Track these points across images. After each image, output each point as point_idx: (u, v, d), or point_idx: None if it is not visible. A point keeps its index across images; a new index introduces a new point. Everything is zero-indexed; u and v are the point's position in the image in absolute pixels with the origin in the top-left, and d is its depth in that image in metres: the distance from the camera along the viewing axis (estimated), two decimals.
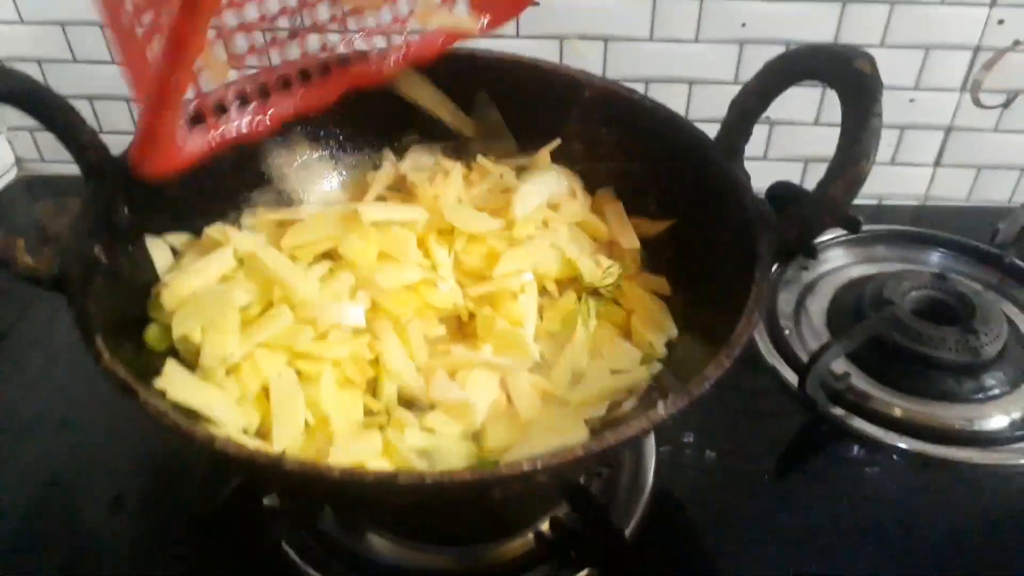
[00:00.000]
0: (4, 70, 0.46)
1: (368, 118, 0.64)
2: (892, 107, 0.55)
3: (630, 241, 0.59)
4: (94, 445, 0.64)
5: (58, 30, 0.88)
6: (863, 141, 0.47)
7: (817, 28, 0.84)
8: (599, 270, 0.56)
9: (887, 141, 0.91)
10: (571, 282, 0.58)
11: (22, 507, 0.59)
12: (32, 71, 0.88)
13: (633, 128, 0.62)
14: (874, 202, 0.96)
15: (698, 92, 0.90)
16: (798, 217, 0.51)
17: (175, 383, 0.45)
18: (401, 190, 0.61)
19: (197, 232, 0.57)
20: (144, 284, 0.52)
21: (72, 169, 0.50)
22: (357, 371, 0.51)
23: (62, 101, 0.49)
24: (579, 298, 0.56)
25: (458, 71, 0.63)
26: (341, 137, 0.66)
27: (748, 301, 0.47)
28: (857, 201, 0.48)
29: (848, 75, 0.48)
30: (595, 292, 0.57)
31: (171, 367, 0.46)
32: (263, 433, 0.47)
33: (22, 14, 0.87)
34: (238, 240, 0.52)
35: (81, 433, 0.65)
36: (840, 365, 0.69)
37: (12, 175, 0.98)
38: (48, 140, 0.88)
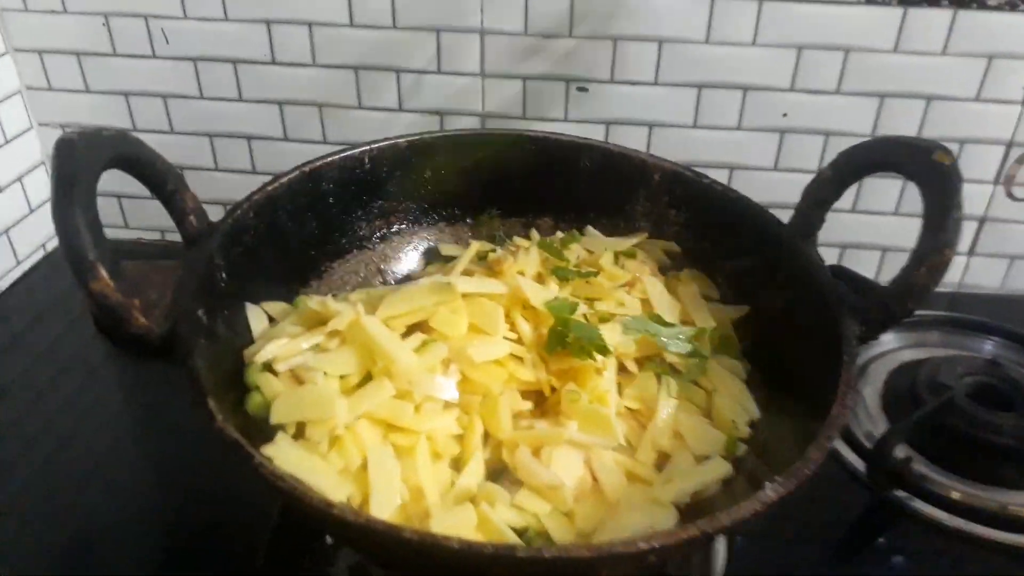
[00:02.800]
0: (120, 135, 0.48)
1: (449, 194, 0.65)
2: None
3: (705, 320, 0.60)
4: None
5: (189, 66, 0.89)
6: (947, 230, 0.49)
7: (856, 121, 0.87)
8: (681, 345, 0.56)
9: None
10: (648, 359, 0.58)
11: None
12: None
13: (703, 210, 0.64)
14: None
15: (739, 176, 0.92)
16: (878, 302, 0.52)
17: (283, 452, 0.45)
18: (482, 264, 0.62)
19: (284, 298, 0.57)
20: (239, 347, 0.52)
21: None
22: (446, 444, 0.51)
23: (170, 167, 0.51)
24: (657, 376, 0.56)
25: (532, 152, 0.65)
26: (423, 212, 0.68)
27: (840, 383, 0.48)
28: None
29: (928, 168, 0.50)
30: (674, 370, 0.57)
31: (282, 438, 0.46)
32: (361, 504, 0.47)
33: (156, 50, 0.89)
34: (337, 310, 0.53)
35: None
36: (902, 450, 0.69)
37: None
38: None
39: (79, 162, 0.42)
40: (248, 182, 0.93)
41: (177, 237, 0.53)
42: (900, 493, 0.67)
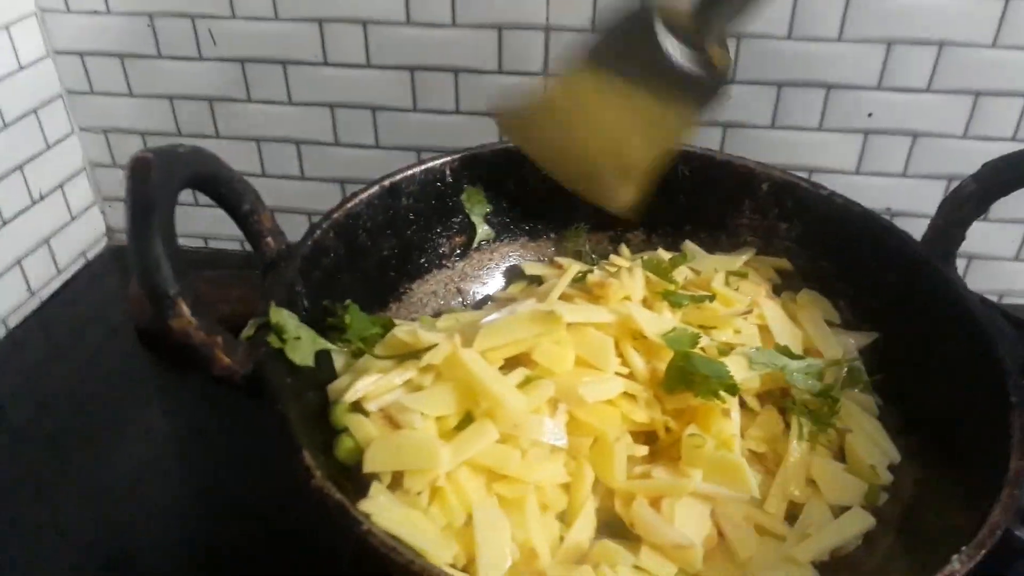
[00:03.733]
0: (196, 152, 0.43)
1: (532, 207, 0.60)
2: None
3: (833, 350, 0.54)
4: None
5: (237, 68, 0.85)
6: None
7: (947, 121, 0.81)
8: (811, 381, 0.50)
9: None
10: (769, 394, 0.52)
11: None
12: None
13: (819, 224, 0.58)
14: None
15: (817, 180, 0.86)
16: None
17: (381, 508, 0.40)
18: (577, 286, 0.56)
19: None
20: (323, 381, 0.47)
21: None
22: (554, 495, 0.45)
23: (247, 185, 0.46)
24: (781, 412, 0.50)
25: None
26: (503, 227, 0.63)
27: (1013, 429, 0.42)
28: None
29: None
30: (801, 407, 0.51)
31: (377, 490, 0.41)
32: (467, 566, 0.41)
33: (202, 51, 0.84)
34: (430, 341, 0.47)
35: None
36: None
37: (102, 245, 0.95)
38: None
39: (156, 185, 0.37)
40: (296, 188, 0.90)
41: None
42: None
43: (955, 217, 0.52)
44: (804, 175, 0.85)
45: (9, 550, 0.57)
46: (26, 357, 0.77)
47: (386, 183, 0.54)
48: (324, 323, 0.49)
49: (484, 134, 0.84)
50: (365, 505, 0.39)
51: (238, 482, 0.62)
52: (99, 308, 0.85)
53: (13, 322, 0.81)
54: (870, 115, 0.82)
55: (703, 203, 0.61)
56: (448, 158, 0.57)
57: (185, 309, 0.37)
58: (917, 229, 0.57)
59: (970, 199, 0.51)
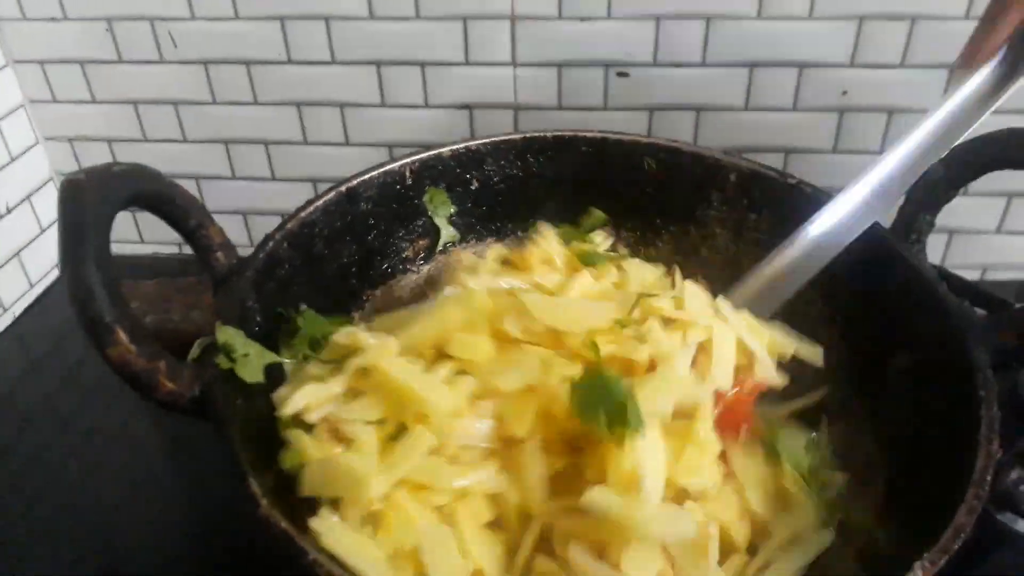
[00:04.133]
0: (134, 171, 0.42)
1: (497, 206, 0.59)
2: None
3: (815, 357, 0.52)
4: None
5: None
6: None
7: (924, 96, 0.79)
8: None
9: None
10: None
11: None
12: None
13: (788, 214, 0.56)
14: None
15: (795, 160, 0.85)
16: (1014, 319, 0.45)
17: (330, 530, 0.39)
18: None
19: None
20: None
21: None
22: (487, 507, 0.43)
23: (191, 200, 0.45)
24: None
25: (587, 155, 0.58)
26: (468, 228, 0.62)
27: (980, 429, 0.41)
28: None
29: None
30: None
31: (326, 515, 0.40)
32: None
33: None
34: (367, 343, 0.45)
35: None
36: (1016, 472, 0.63)
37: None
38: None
39: (89, 208, 0.36)
40: (267, 189, 0.89)
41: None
42: (1007, 516, 0.61)
43: (925, 202, 0.50)
44: (780, 156, 0.85)
45: None
46: (3, 372, 0.77)
47: (343, 188, 0.53)
48: (279, 333, 0.48)
49: (455, 128, 0.84)
50: (316, 524, 0.39)
51: (222, 489, 0.61)
52: (74, 322, 0.83)
53: None
54: (844, 93, 0.81)
55: (671, 196, 0.60)
56: (407, 160, 0.56)
57: (123, 336, 0.36)
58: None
59: (939, 184, 0.50)
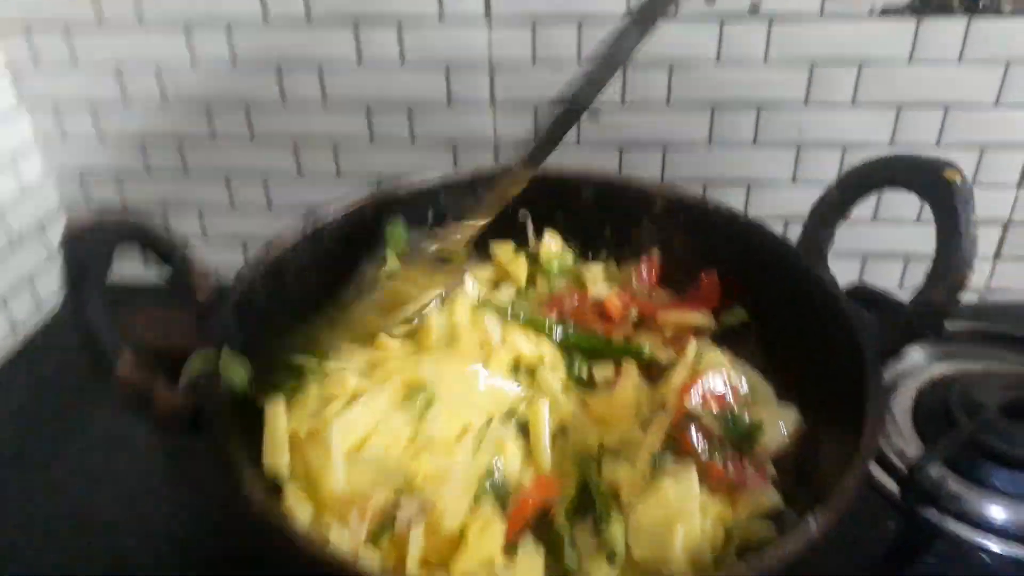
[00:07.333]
0: (123, 218, 0.49)
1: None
2: None
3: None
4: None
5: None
6: (963, 249, 0.48)
7: (874, 132, 0.85)
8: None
9: None
10: None
11: None
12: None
13: (711, 236, 0.63)
14: None
15: (757, 192, 0.90)
16: (898, 322, 0.51)
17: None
18: None
19: None
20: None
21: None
22: None
23: (176, 242, 0.52)
24: None
25: (535, 186, 0.65)
26: None
27: (868, 410, 0.47)
28: None
29: (939, 186, 0.49)
30: None
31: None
32: None
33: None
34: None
35: None
36: (935, 469, 0.67)
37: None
38: None
39: (90, 250, 0.44)
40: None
41: None
42: (933, 513, 0.65)
43: (823, 219, 0.57)
44: (743, 189, 0.90)
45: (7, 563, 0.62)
46: (13, 391, 0.82)
47: (309, 229, 0.60)
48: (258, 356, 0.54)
49: (439, 163, 0.89)
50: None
51: (215, 496, 0.64)
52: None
53: None
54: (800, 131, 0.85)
55: (607, 222, 0.67)
56: (366, 199, 0.63)
57: (124, 363, 0.43)
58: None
59: (835, 203, 0.56)
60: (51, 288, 0.95)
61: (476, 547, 0.46)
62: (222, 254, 0.98)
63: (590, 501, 0.50)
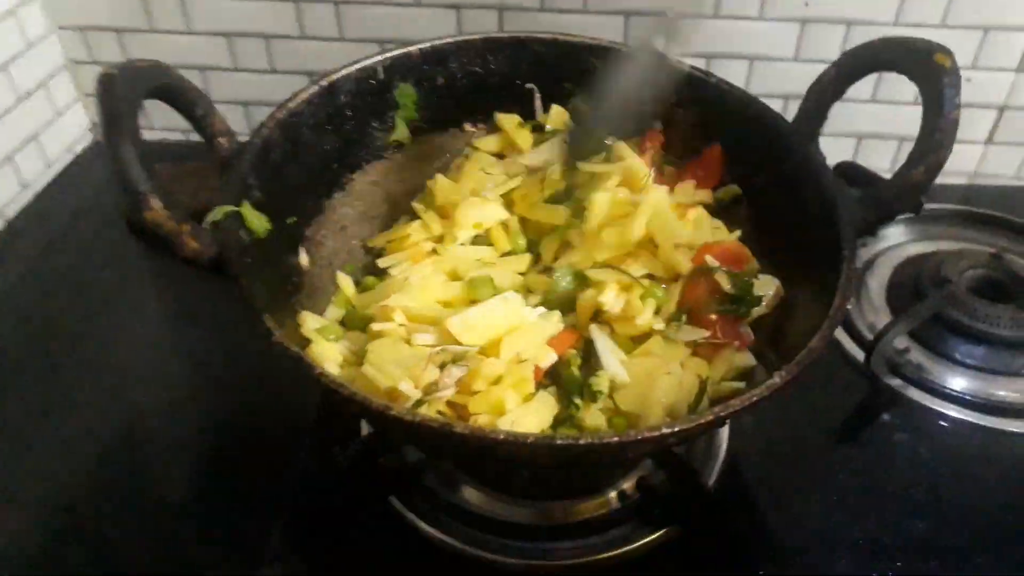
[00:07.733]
0: (154, 66, 0.51)
1: (462, 100, 0.69)
2: None
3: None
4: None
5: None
6: (944, 130, 0.51)
7: (877, 8, 0.85)
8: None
9: None
10: None
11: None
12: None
13: (710, 110, 0.65)
14: None
15: (759, 67, 0.91)
16: (877, 198, 0.55)
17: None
18: None
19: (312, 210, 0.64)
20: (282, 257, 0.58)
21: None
22: None
23: (199, 93, 0.54)
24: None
25: (543, 53, 0.68)
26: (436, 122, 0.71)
27: (840, 278, 0.51)
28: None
29: (928, 69, 0.51)
30: None
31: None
32: None
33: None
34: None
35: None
36: (900, 340, 0.72)
37: (89, 139, 1.01)
38: None
39: (122, 97, 0.46)
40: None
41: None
42: (896, 382, 0.71)
43: (818, 99, 0.59)
44: (746, 63, 0.91)
45: (21, 425, 0.66)
46: (24, 247, 0.85)
47: (324, 83, 0.61)
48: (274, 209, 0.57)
49: (444, 26, 0.89)
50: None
51: (228, 350, 0.72)
52: (90, 199, 0.91)
53: (10, 213, 0.88)
54: (807, 4, 0.86)
55: None
56: (380, 57, 0.64)
57: (156, 203, 0.46)
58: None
59: (831, 83, 0.58)
60: (58, 145, 0.96)
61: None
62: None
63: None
